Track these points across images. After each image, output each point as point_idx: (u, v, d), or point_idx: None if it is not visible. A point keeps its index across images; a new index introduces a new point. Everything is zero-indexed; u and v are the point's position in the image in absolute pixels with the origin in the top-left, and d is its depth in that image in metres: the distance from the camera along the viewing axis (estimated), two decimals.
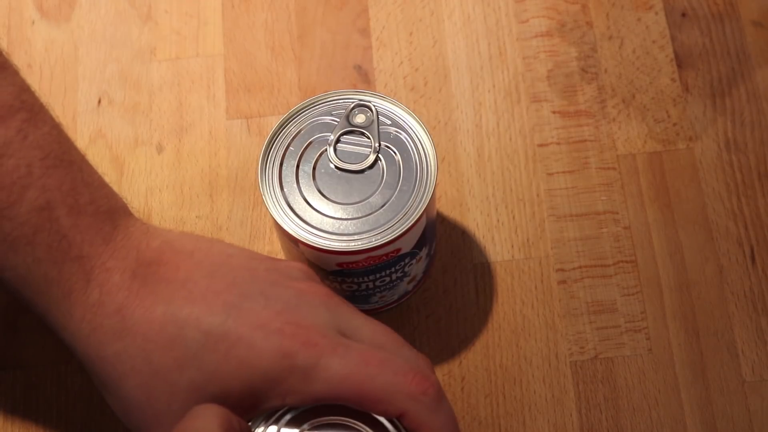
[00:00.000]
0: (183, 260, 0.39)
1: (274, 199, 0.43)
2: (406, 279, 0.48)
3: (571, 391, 0.49)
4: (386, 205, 0.43)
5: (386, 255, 0.43)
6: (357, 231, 0.43)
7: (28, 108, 0.39)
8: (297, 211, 0.43)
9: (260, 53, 0.57)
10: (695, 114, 0.55)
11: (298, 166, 0.44)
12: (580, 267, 0.52)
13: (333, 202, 0.43)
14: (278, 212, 0.43)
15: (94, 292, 0.38)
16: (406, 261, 0.46)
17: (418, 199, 0.43)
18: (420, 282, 0.50)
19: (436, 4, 0.58)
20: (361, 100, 0.45)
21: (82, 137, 0.55)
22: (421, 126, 0.45)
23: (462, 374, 0.50)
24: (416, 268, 0.48)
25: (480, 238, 0.53)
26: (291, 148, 0.44)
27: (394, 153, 0.44)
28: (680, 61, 0.56)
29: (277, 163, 0.44)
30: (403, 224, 0.43)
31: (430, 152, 0.44)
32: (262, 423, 0.38)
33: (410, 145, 0.44)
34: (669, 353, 0.50)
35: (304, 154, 0.44)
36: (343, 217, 0.43)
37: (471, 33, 0.57)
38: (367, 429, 0.38)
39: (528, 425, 0.49)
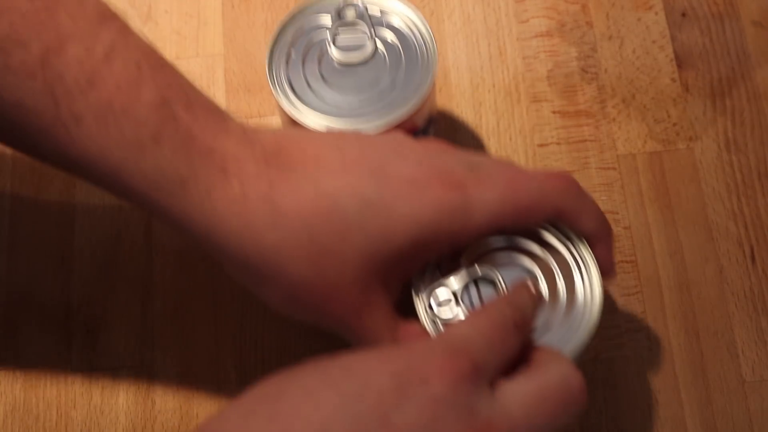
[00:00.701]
0: (304, 143, 0.40)
1: (295, 107, 0.45)
2: None
3: None
4: (398, 83, 0.45)
5: (407, 131, 0.45)
6: (377, 110, 0.45)
7: (118, 17, 0.39)
8: (322, 110, 0.45)
9: (260, 53, 0.57)
10: (695, 114, 0.55)
11: (304, 70, 0.46)
12: None
13: (348, 92, 0.45)
14: (304, 116, 0.45)
15: (235, 185, 0.37)
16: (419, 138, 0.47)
17: (425, 72, 0.45)
18: None
19: (436, 4, 0.58)
20: None
21: None
22: (407, 5, 0.47)
23: None
24: None
25: None
26: (292, 56, 0.46)
27: (391, 38, 0.46)
28: (680, 61, 0.56)
29: (284, 73, 0.46)
30: (417, 96, 0.45)
31: (422, 28, 0.46)
32: (422, 285, 0.40)
33: (403, 26, 0.47)
34: (669, 353, 0.50)
35: (307, 58, 0.46)
36: (362, 103, 0.45)
37: (471, 33, 0.57)
38: (525, 247, 0.41)
39: None
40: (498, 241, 0.42)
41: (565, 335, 0.40)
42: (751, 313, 0.51)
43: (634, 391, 0.49)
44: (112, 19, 0.38)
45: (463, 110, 0.56)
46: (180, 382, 0.50)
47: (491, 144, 0.55)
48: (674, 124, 0.55)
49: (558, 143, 0.55)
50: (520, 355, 0.37)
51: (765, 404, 0.49)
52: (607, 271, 0.42)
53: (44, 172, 0.55)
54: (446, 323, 0.39)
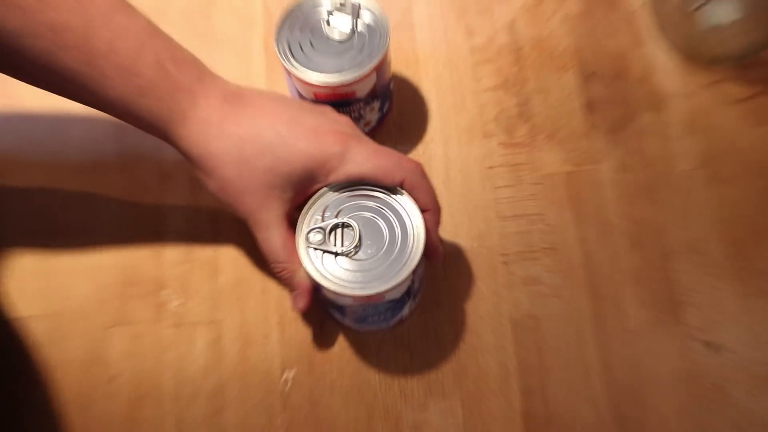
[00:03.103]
0: (256, 95, 0.50)
1: (294, 66, 0.54)
2: (362, 122, 0.58)
3: (510, 339, 0.59)
4: (364, 51, 0.54)
5: (342, 95, 0.54)
6: (352, 67, 0.54)
7: (126, 2, 0.48)
8: (312, 67, 0.53)
9: None
10: (598, 145, 0.64)
11: (301, 40, 0.54)
12: (517, 252, 0.61)
13: (332, 55, 0.54)
14: (301, 73, 0.54)
15: (202, 112, 0.47)
16: (361, 105, 0.56)
17: (382, 45, 0.54)
18: (374, 129, 0.60)
19: (417, 68, 0.68)
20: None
21: None
22: (376, 3, 0.55)
23: (434, 326, 0.60)
24: (370, 114, 0.58)
25: (447, 233, 0.62)
26: (294, 31, 0.54)
27: (362, 24, 0.55)
28: (589, 107, 0.65)
29: (287, 43, 0.55)
30: (359, 71, 0.53)
31: (383, 22, 0.55)
32: (303, 223, 0.48)
33: (371, 17, 0.55)
34: (578, 312, 0.60)
35: (303, 33, 0.55)
36: (341, 63, 0.54)
37: (441, 87, 0.66)
38: (379, 194, 0.49)
39: (480, 364, 0.59)
40: (359, 190, 0.49)
41: (399, 261, 0.48)
42: (632, 284, 0.60)
43: (554, 338, 0.58)
44: (123, 4, 0.47)
45: (436, 143, 0.65)
46: (238, 335, 0.59)
47: (455, 167, 0.63)
48: (584, 152, 0.64)
49: (502, 166, 0.64)
50: None
51: (645, 345, 0.58)
52: (430, 232, 0.49)
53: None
54: (314, 247, 0.48)
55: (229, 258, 0.61)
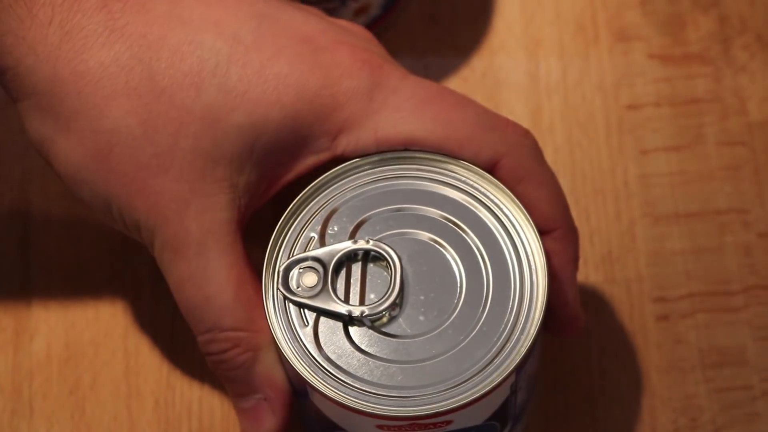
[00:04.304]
0: None
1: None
2: (350, 5, 0.48)
3: None
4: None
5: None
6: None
7: None
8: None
9: None
10: None
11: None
12: (691, 295, 0.47)
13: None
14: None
15: None
16: None
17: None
18: (376, 22, 0.50)
19: None
20: None
21: None
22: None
23: None
24: None
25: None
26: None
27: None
28: None
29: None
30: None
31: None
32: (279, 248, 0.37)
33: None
34: None
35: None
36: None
37: None
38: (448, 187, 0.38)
39: None
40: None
41: (492, 342, 0.37)
42: None
43: None
44: None
45: (512, 54, 0.51)
46: None
47: (554, 104, 0.50)
48: None
49: (657, 104, 0.50)
50: None
51: None
52: (560, 277, 0.38)
53: None
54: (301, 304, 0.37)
55: (55, 300, 0.47)
